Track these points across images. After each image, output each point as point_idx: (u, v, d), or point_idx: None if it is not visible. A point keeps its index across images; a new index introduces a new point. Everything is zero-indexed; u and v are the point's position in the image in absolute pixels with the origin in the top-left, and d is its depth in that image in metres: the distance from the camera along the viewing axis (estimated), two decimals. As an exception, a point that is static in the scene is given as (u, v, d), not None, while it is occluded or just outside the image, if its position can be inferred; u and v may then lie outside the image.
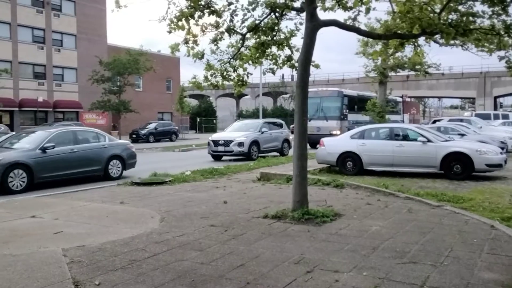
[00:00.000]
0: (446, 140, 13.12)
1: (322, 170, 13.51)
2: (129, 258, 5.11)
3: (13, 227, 6.76)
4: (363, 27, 11.10)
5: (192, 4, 8.18)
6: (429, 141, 12.50)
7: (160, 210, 7.87)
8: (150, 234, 6.22)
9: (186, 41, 8.71)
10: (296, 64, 9.21)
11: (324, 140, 14.32)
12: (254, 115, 61.59)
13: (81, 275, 4.59)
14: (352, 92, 29.13)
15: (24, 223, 7.03)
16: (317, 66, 9.30)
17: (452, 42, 9.41)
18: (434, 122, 27.96)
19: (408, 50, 12.43)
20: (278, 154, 22.07)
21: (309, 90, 22.14)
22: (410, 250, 5.43)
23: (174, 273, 4.66)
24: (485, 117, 30.69)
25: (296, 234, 6.20)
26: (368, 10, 8.72)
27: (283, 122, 25.33)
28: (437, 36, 8.97)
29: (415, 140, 12.71)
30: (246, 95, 75.37)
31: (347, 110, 26.38)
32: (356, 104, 27.56)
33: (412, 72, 25.78)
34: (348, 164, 13.26)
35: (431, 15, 8.18)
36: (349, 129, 20.96)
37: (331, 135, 22.12)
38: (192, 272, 4.69)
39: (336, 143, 13.97)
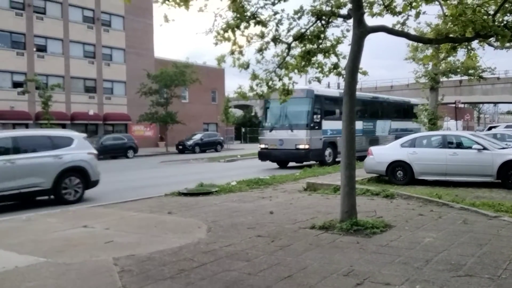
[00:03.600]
0: (503, 148, 12.54)
1: (370, 180, 13.21)
2: (177, 268, 5.12)
3: (66, 236, 6.95)
4: (412, 31, 10.86)
5: (238, 15, 8.24)
6: (484, 148, 11.98)
7: (207, 220, 7.89)
8: (197, 244, 6.22)
9: (232, 52, 8.78)
10: (343, 72, 9.07)
11: (373, 149, 14.01)
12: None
13: (132, 284, 4.63)
14: (330, 92, 23.41)
15: (76, 232, 7.22)
16: (365, 73, 9.12)
17: (508, 44, 9.03)
18: (490, 128, 26.77)
19: (461, 54, 12.05)
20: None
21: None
22: (466, 263, 5.16)
23: (221, 283, 4.62)
24: None
25: (344, 245, 6.04)
26: (418, 14, 8.48)
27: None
28: (492, 39, 8.61)
29: (470, 148, 12.22)
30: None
31: (321, 116, 20.66)
32: (339, 107, 21.07)
33: (465, 77, 24.70)
34: (398, 173, 12.90)
35: (485, 17, 7.85)
36: (324, 142, 20.42)
37: (297, 150, 19.83)
38: (240, 282, 4.64)
39: (385, 151, 13.64)
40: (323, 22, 8.82)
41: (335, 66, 9.34)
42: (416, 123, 25.82)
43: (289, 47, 9.05)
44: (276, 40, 8.96)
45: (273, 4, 8.66)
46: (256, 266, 5.14)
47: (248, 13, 8.40)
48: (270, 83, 9.11)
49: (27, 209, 9.92)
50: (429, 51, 18.81)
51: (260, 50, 9.04)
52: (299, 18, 8.76)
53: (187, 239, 6.50)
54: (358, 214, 7.23)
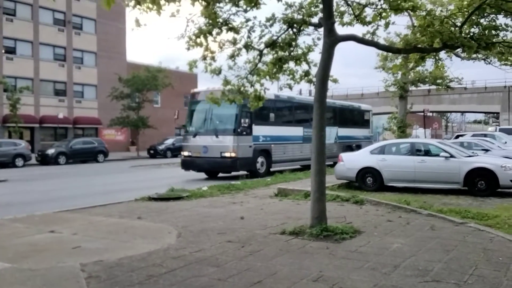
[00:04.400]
0: (470, 156, 12.88)
1: (341, 186, 13.37)
2: (146, 274, 5.07)
3: (32, 241, 6.79)
4: (382, 41, 11.07)
5: (210, 21, 8.26)
6: (452, 156, 12.29)
7: (177, 226, 7.84)
8: (167, 250, 6.18)
9: (204, 58, 8.79)
10: (314, 79, 9.19)
11: (343, 155, 14.20)
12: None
13: (98, 290, 4.57)
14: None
15: (43, 238, 7.06)
16: (335, 81, 9.27)
17: (474, 55, 9.32)
18: (457, 137, 27.40)
19: (429, 64, 12.39)
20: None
21: (197, 91, 19.19)
22: (433, 269, 5.28)
23: (191, 289, 4.60)
24: (510, 132, 29.91)
25: (314, 251, 6.10)
26: (387, 25, 8.68)
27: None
28: (459, 50, 8.89)
29: (438, 155, 12.51)
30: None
31: (252, 121, 18.18)
32: (273, 111, 19.93)
33: (434, 86, 25.33)
34: (368, 180, 13.10)
35: (452, 28, 8.10)
36: (255, 150, 18.26)
37: (222, 158, 17.48)
38: (209, 288, 4.63)
39: (355, 158, 13.84)
40: (294, 30, 8.93)
41: (306, 73, 9.46)
42: (366, 130, 26.30)
43: (261, 54, 9.12)
44: (248, 46, 9.02)
45: (245, 11, 8.71)
46: (226, 272, 5.14)
47: (221, 20, 8.44)
48: (242, 89, 9.15)
49: None
50: (399, 61, 19.27)
51: (232, 56, 9.08)
52: (271, 25, 8.85)
53: (157, 245, 6.45)
54: (328, 220, 7.32)
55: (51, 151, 30.85)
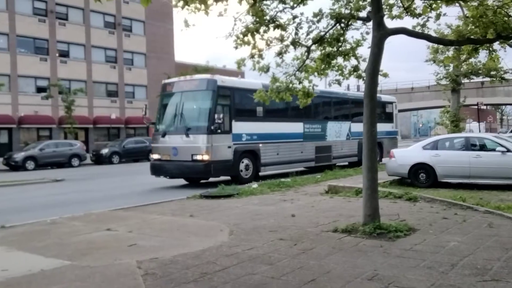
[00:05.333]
0: (528, 150, 12.25)
1: (393, 183, 13.07)
2: (200, 271, 5.15)
3: (90, 239, 7.05)
4: (432, 33, 10.73)
5: (257, 19, 8.28)
6: (508, 151, 11.74)
7: (229, 223, 7.92)
8: (220, 247, 6.25)
9: (252, 56, 8.83)
10: (363, 74, 9.03)
11: (395, 151, 13.87)
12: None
13: (155, 287, 4.67)
14: (247, 83, 16.57)
15: (100, 235, 7.32)
16: (385, 75, 9.08)
17: (529, 46, 8.86)
18: (514, 130, 26.19)
19: (482, 56, 11.86)
20: None
21: (169, 81, 16.66)
22: (492, 267, 5.07)
23: (245, 287, 4.63)
24: None
25: (368, 249, 5.99)
26: (438, 16, 8.41)
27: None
28: (513, 40, 8.48)
29: (494, 150, 12.00)
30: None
31: (231, 116, 15.23)
32: (262, 103, 16.83)
33: (487, 79, 24.28)
34: (421, 176, 12.73)
35: (506, 18, 7.74)
36: (236, 151, 15.18)
37: (193, 162, 14.40)
38: (263, 286, 4.64)
39: (408, 154, 13.48)
40: (342, 25, 8.81)
41: (355, 68, 9.32)
42: (388, 125, 23.00)
43: (308, 50, 9.06)
44: (295, 43, 8.98)
45: (292, 8, 8.68)
46: (279, 270, 5.13)
47: (268, 17, 8.45)
48: (290, 86, 9.13)
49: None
50: (450, 53, 18.58)
51: (280, 54, 9.08)
52: (318, 21, 8.77)
53: (210, 243, 6.53)
54: (381, 217, 7.17)
55: (105, 151, 31.94)
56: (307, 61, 9.18)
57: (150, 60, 47.04)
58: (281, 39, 8.89)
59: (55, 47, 40.68)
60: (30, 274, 5.22)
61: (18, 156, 28.02)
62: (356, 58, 9.28)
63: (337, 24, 8.79)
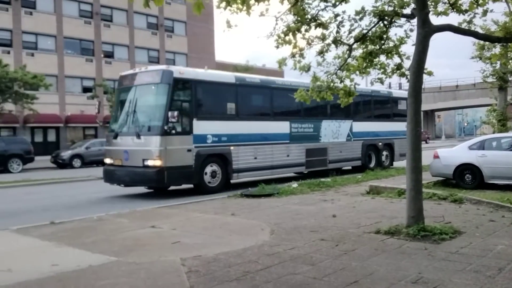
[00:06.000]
0: None
1: (436, 184, 12.76)
2: (242, 270, 5.20)
3: (135, 236, 7.25)
4: (478, 29, 10.41)
5: (299, 18, 8.28)
6: (560, 151, 11.24)
7: (269, 223, 7.95)
8: (261, 246, 6.29)
9: (293, 55, 8.84)
10: (407, 73, 8.87)
11: (439, 151, 13.53)
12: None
13: (199, 284, 4.75)
14: (212, 75, 14.34)
15: (145, 232, 7.50)
16: (430, 74, 8.88)
17: None
18: None
19: (532, 53, 11.40)
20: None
21: (125, 74, 14.23)
22: (543, 273, 4.88)
23: (287, 286, 4.64)
24: None
25: (412, 251, 5.88)
26: (485, 13, 8.16)
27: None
28: None
29: (545, 150, 11.51)
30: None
31: (193, 114, 12.89)
32: (234, 99, 14.28)
33: (537, 76, 23.28)
34: (467, 177, 12.35)
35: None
36: (199, 155, 12.71)
37: (145, 168, 12.22)
38: (305, 286, 4.64)
39: (453, 154, 13.12)
40: (385, 22, 8.69)
41: (399, 66, 9.18)
42: (401, 124, 19.46)
43: (350, 49, 8.99)
44: (337, 42, 8.93)
45: (334, 6, 8.63)
46: (321, 271, 5.12)
47: (309, 16, 8.44)
48: (331, 85, 9.07)
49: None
50: (497, 50, 17.91)
51: (321, 52, 9.05)
52: (361, 19, 8.69)
53: (251, 241, 6.58)
54: (425, 219, 7.02)
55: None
56: (349, 60, 9.10)
57: (191, 60, 47.68)
58: (323, 38, 8.86)
59: (100, 48, 41.91)
60: (79, 269, 5.42)
61: (65, 154, 28.91)
62: (400, 56, 9.13)
63: (380, 22, 8.67)
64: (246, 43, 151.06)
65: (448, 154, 13.26)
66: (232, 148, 13.78)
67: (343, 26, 8.76)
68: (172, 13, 46.74)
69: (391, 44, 9.03)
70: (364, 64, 9.04)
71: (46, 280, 5.07)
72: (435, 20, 7.87)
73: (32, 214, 10.38)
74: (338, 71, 9.12)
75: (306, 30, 8.55)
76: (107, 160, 13.68)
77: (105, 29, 42.47)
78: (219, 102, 14.04)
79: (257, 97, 15.73)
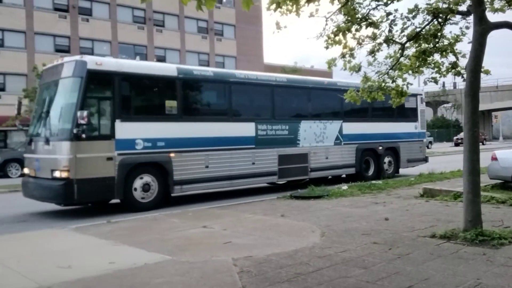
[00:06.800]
0: None
1: (494, 187, 12.22)
2: (294, 271, 5.19)
3: (188, 235, 7.40)
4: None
5: (349, 18, 8.18)
6: None
7: (320, 225, 7.89)
8: (312, 248, 6.26)
9: (343, 55, 8.73)
10: (463, 71, 8.57)
11: (497, 152, 12.96)
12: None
13: (251, 284, 4.79)
14: (137, 66, 11.59)
15: (197, 232, 7.64)
16: (487, 72, 8.52)
17: None
18: None
19: None
20: None
21: (46, 68, 11.85)
22: None
23: (339, 290, 4.61)
24: None
25: (469, 256, 5.67)
26: (546, 8, 7.75)
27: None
28: None
29: None
30: (403, 106, 72.52)
31: (115, 113, 10.62)
32: (176, 95, 11.77)
33: None
34: (527, 180, 11.77)
35: None
36: (124, 164, 10.45)
37: (53, 180, 10.08)
38: (358, 290, 4.58)
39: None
40: (439, 20, 8.43)
41: (454, 65, 8.88)
42: (408, 125, 17.79)
43: (403, 48, 8.78)
44: (389, 41, 8.74)
45: (386, 4, 8.45)
46: (374, 274, 5.03)
47: (359, 15, 8.31)
48: (383, 85, 8.90)
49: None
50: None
51: (372, 52, 8.89)
52: (414, 17, 8.47)
53: (302, 243, 6.56)
54: (483, 223, 6.75)
55: None
56: (401, 59, 8.89)
57: (240, 63, 48.13)
58: (374, 37, 8.70)
59: (153, 52, 43.06)
60: (135, 267, 5.59)
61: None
62: (455, 55, 8.82)
63: (434, 20, 8.43)
64: (294, 44, 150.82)
65: (507, 156, 12.68)
66: (172, 155, 11.34)
67: (395, 25, 8.57)
68: (222, 17, 47.40)
69: (446, 42, 8.75)
70: (417, 63, 8.80)
71: (104, 277, 5.26)
72: (492, 17, 7.57)
73: None
74: (390, 70, 8.93)
75: (357, 30, 8.42)
76: (25, 170, 11.61)
77: (157, 34, 43.65)
78: (155, 100, 11.89)
79: (210, 94, 13.25)
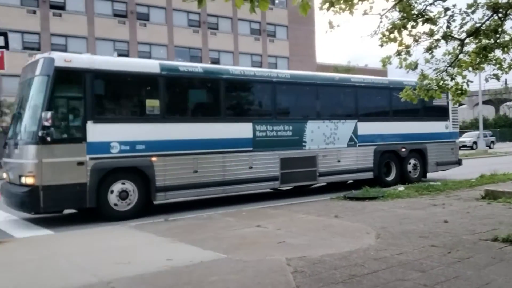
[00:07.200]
0: None
1: None
2: (348, 273, 5.14)
3: (242, 234, 7.48)
4: None
5: (404, 15, 8.00)
6: None
7: (375, 226, 7.75)
8: (367, 250, 6.16)
9: (398, 53, 8.57)
10: (526, 68, 8.18)
11: None
12: (472, 126, 56.55)
13: (305, 285, 4.78)
14: (113, 62, 10.70)
15: (251, 231, 7.72)
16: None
17: None
18: None
19: None
20: None
21: (25, 65, 10.92)
22: None
23: (395, 292, 4.51)
24: None
25: (535, 261, 5.40)
26: None
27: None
28: None
29: None
30: (463, 104, 69.70)
31: (84, 114, 9.81)
32: (159, 94, 10.84)
33: None
34: None
35: None
36: (97, 169, 9.62)
37: (20, 187, 9.47)
38: (415, 293, 4.47)
39: None
40: (500, 15, 8.08)
41: (516, 62, 8.48)
42: (437, 124, 16.05)
43: (462, 44, 8.48)
44: (447, 37, 8.47)
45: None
46: (432, 278, 4.88)
47: (416, 12, 8.12)
48: (441, 83, 8.64)
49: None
50: None
51: (429, 49, 8.65)
52: (473, 12, 8.16)
53: (356, 244, 6.48)
54: (551, 227, 6.40)
55: None
56: (461, 56, 8.59)
57: (292, 64, 48.11)
58: (431, 34, 8.46)
59: (207, 55, 43.93)
60: (191, 265, 5.73)
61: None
62: (517, 50, 8.43)
63: (494, 14, 8.08)
64: (347, 43, 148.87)
65: None
66: (154, 159, 10.44)
67: (453, 20, 8.29)
68: (274, 18, 47.59)
69: (507, 37, 8.37)
70: (478, 60, 8.47)
71: (161, 273, 5.43)
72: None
73: None
74: (449, 68, 8.65)
75: (413, 27, 8.23)
76: (3, 175, 10.82)
77: (212, 37, 44.45)
78: (134, 99, 11.01)
79: (199, 92, 12.30)
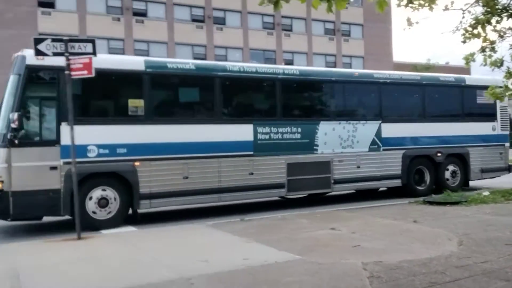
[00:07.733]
0: None
1: None
2: (428, 280, 4.95)
3: (316, 236, 7.46)
4: None
5: (488, 9, 7.63)
6: None
7: (457, 233, 7.41)
8: (448, 257, 5.90)
9: (482, 50, 8.20)
10: None
11: None
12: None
13: (381, 290, 4.70)
14: (107, 60, 9.88)
15: (325, 234, 7.67)
16: None
17: None
18: None
19: None
20: None
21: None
22: None
23: (479, 302, 4.30)
24: None
25: None
26: None
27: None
28: None
29: None
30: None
31: (58, 115, 9.14)
32: (142, 93, 9.96)
33: None
34: None
35: None
36: (70, 175, 8.45)
37: None
38: (501, 304, 4.23)
39: None
40: None
41: None
42: (481, 125, 14.15)
43: (552, 39, 7.90)
44: (534, 33, 7.96)
45: (531, -7, 7.71)
46: (519, 288, 4.61)
47: (500, 6, 7.72)
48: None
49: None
50: None
51: (516, 45, 8.17)
52: None
53: (437, 251, 6.23)
54: None
55: None
56: (551, 52, 8.03)
57: (367, 63, 47.04)
58: (517, 29, 8.01)
59: (281, 57, 44.13)
60: (267, 265, 5.80)
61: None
62: None
63: None
64: (426, 41, 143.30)
65: None
66: (137, 164, 9.65)
67: (544, 14, 7.77)
68: (349, 17, 46.81)
69: None
70: None
71: (238, 272, 5.55)
72: None
73: None
74: (538, 65, 8.12)
75: (498, 22, 7.86)
76: None
77: (286, 38, 44.62)
78: (114, 99, 10.20)
79: (191, 91, 11.22)
